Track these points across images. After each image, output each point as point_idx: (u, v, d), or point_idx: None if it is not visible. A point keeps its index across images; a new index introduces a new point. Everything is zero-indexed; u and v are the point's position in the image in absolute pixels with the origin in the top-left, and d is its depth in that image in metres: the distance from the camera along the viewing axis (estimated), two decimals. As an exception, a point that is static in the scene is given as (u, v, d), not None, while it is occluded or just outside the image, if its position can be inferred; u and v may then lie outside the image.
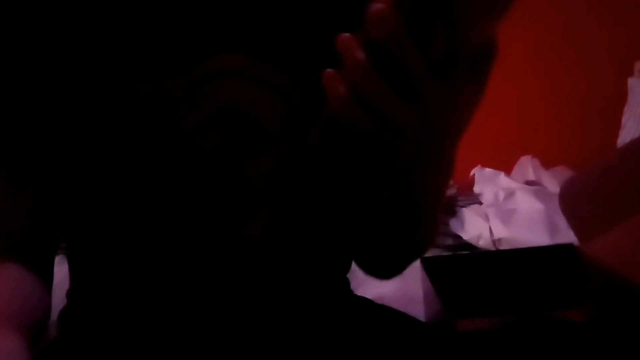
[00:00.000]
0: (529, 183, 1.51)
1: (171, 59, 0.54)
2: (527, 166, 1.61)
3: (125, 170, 0.54)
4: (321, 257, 0.66)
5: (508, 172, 1.62)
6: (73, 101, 0.54)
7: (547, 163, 1.64)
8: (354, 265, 1.18)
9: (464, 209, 1.28)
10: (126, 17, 0.54)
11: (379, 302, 0.80)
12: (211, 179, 0.55)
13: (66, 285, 0.87)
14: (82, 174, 0.55)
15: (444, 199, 0.56)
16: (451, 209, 1.27)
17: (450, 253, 1.20)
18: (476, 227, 1.20)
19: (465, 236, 1.20)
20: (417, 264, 0.90)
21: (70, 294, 0.66)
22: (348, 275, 0.73)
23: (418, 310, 0.81)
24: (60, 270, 0.70)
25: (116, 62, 0.53)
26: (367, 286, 1.00)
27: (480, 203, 1.34)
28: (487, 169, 1.59)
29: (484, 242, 1.17)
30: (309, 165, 0.60)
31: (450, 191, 1.31)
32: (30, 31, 0.54)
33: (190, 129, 0.54)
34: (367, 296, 0.78)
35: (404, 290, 0.96)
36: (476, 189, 1.47)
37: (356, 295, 0.76)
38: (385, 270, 0.74)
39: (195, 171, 0.55)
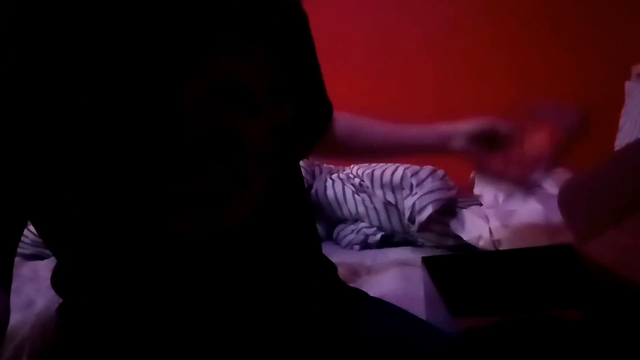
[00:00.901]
0: (528, 185, 1.51)
1: (166, 46, 0.56)
2: (527, 168, 1.62)
3: (130, 145, 0.56)
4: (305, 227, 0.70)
5: (508, 174, 1.63)
6: (74, 90, 0.54)
7: (546, 165, 1.65)
8: (355, 265, 1.19)
9: (464, 210, 1.29)
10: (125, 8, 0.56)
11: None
12: (212, 144, 0.58)
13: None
14: (85, 157, 0.56)
15: None
16: (452, 210, 1.28)
17: (451, 253, 1.22)
18: (476, 227, 1.21)
19: (466, 237, 1.21)
20: (418, 263, 0.92)
21: (61, 310, 0.67)
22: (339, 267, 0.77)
23: (419, 309, 0.82)
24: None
25: (114, 49, 0.55)
26: (369, 285, 1.01)
27: (480, 204, 1.35)
28: (487, 171, 1.59)
29: (484, 243, 1.18)
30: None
31: (451, 193, 1.32)
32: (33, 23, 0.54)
33: (194, 100, 0.56)
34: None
35: (405, 289, 0.97)
36: (476, 190, 1.47)
37: (351, 287, 0.77)
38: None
39: (199, 138, 0.57)
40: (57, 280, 0.66)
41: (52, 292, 1.03)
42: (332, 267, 0.75)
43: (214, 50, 0.59)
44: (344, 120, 0.89)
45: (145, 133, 0.55)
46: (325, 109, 0.85)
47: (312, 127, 0.83)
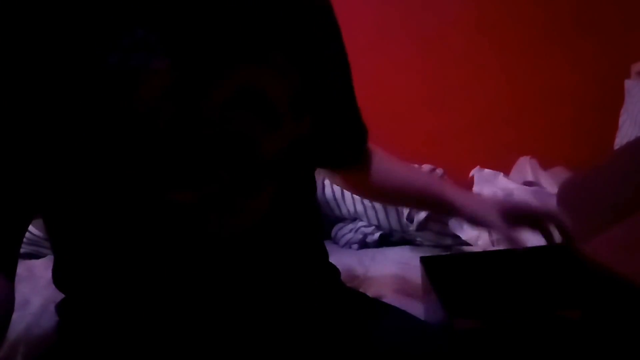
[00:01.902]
0: (527, 184, 1.51)
1: (187, 53, 0.55)
2: (526, 167, 1.62)
3: (143, 148, 0.55)
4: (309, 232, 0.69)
5: (507, 172, 1.63)
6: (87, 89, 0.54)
7: (546, 164, 1.65)
8: (353, 266, 1.18)
9: (463, 209, 1.28)
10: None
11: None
12: (228, 152, 0.57)
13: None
14: (98, 159, 0.56)
15: None
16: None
17: (449, 253, 1.21)
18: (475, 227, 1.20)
19: (464, 236, 1.21)
20: (416, 263, 0.91)
21: (60, 307, 0.66)
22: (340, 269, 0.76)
23: (417, 309, 0.82)
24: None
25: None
26: (367, 286, 1.01)
27: (479, 203, 1.34)
28: (486, 170, 1.59)
29: (482, 242, 1.18)
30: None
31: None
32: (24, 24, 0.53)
33: (213, 107, 0.55)
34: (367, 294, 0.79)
35: (404, 289, 0.97)
36: (475, 189, 1.47)
37: (350, 288, 0.77)
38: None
39: (214, 145, 0.56)
40: (59, 276, 0.65)
41: (48, 292, 1.02)
42: (336, 271, 0.75)
43: (237, 58, 0.57)
44: (380, 158, 0.87)
45: (159, 136, 0.55)
46: (356, 131, 0.81)
47: (338, 146, 0.79)
